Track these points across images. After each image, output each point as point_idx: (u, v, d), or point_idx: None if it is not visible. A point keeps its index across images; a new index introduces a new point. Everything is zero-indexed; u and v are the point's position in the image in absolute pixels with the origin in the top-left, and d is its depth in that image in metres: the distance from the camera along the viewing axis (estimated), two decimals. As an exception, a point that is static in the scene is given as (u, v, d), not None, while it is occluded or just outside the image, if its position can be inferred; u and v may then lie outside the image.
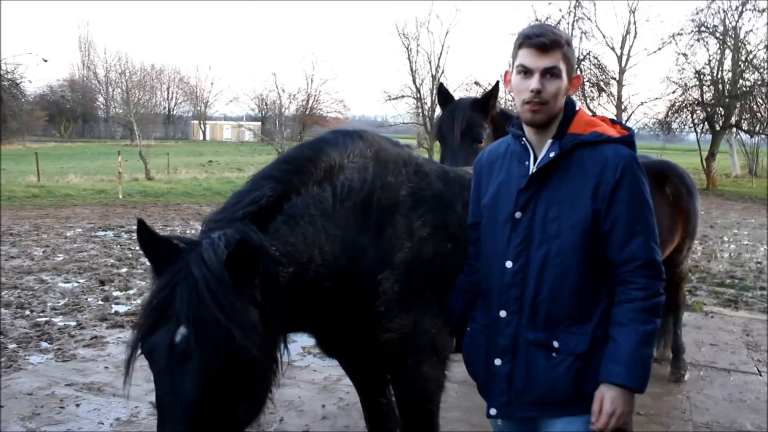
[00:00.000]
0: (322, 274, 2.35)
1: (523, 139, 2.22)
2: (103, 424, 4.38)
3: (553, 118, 2.16)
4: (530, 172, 2.17)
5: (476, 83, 31.11)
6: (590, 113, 2.32)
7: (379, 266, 2.46)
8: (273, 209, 2.26)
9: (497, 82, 4.23)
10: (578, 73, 2.26)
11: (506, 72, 2.27)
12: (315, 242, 2.32)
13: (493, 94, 4.17)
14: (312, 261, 2.31)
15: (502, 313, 2.21)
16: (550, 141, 2.17)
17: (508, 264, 2.18)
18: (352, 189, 2.45)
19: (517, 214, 2.17)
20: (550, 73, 2.09)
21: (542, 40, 2.08)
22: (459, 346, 2.62)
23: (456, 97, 4.42)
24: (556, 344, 2.14)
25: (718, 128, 27.40)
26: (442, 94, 4.46)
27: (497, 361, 2.23)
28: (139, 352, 1.97)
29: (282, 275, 2.19)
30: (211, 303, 1.88)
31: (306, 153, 2.46)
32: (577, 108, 2.24)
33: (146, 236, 2.02)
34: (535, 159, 2.19)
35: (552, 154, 2.13)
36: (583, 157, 2.12)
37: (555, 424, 2.20)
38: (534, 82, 2.09)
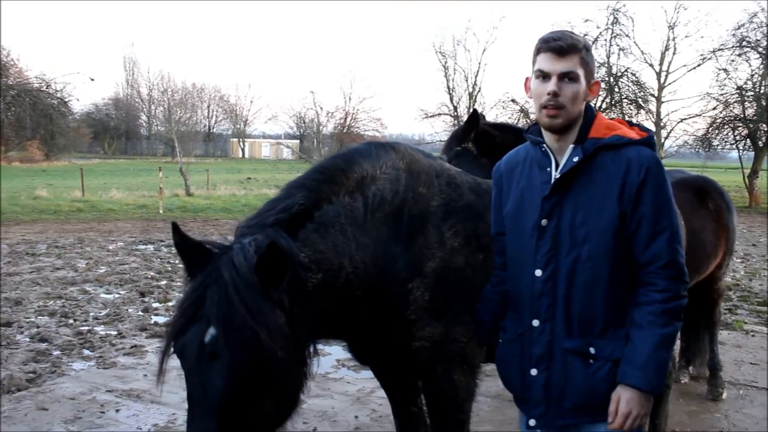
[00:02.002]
0: (353, 282, 2.40)
1: (544, 145, 2.22)
2: (141, 429, 4.50)
3: (572, 122, 2.16)
4: (553, 179, 2.17)
5: (513, 101, 31.08)
6: None
7: (410, 275, 2.50)
8: (303, 217, 2.32)
9: (474, 110, 4.39)
10: (599, 79, 2.26)
11: (527, 79, 2.27)
12: (345, 250, 2.37)
13: (470, 121, 4.25)
14: (342, 268, 2.36)
15: (535, 323, 2.20)
16: (572, 146, 2.16)
17: (538, 272, 2.18)
18: (384, 199, 2.50)
19: (543, 222, 2.17)
20: (568, 77, 2.10)
21: (559, 44, 2.10)
22: (489, 357, 2.63)
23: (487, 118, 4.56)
24: (592, 350, 2.13)
25: (761, 145, 26.79)
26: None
27: (533, 371, 2.22)
28: (171, 350, 2.06)
29: (311, 281, 2.25)
30: (239, 305, 1.95)
31: (339, 163, 2.53)
32: (596, 112, 2.24)
33: (179, 239, 2.11)
34: (557, 165, 2.19)
35: (576, 159, 2.13)
36: (606, 161, 2.13)
37: (594, 430, 2.19)
38: (551, 85, 2.10)
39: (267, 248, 1.99)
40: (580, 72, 2.12)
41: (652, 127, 29.38)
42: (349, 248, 2.38)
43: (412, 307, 2.51)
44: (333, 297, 2.36)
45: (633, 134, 2.18)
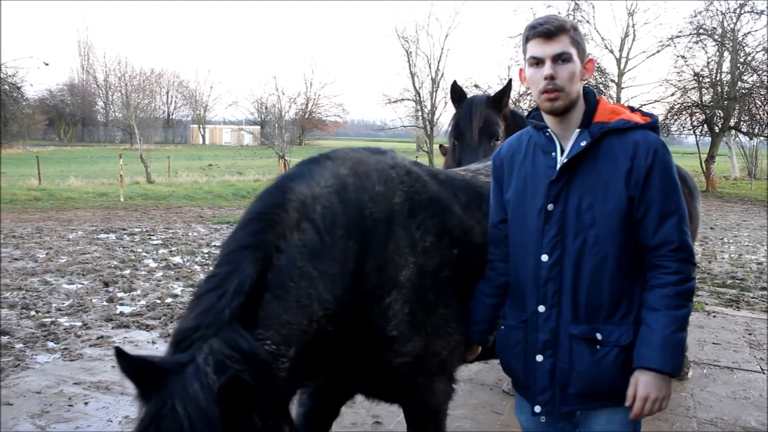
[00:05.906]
0: (325, 325, 2.16)
1: (548, 130, 2.20)
2: (111, 422, 4.40)
3: (572, 104, 2.15)
4: (560, 163, 2.15)
5: (476, 86, 31.16)
6: None
7: (387, 289, 2.31)
8: (259, 289, 2.01)
9: (510, 80, 4.24)
10: (591, 56, 2.26)
11: (521, 70, 2.25)
12: (313, 296, 2.11)
13: (506, 91, 4.16)
14: (312, 320, 2.11)
15: (541, 308, 2.18)
16: (578, 130, 2.15)
17: (544, 258, 2.15)
18: (335, 213, 2.23)
19: (550, 206, 2.14)
20: (561, 58, 2.09)
21: (547, 27, 2.09)
22: (483, 355, 2.63)
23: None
24: (599, 336, 2.11)
25: (717, 130, 27.48)
26: (456, 92, 4.39)
27: (539, 357, 2.20)
28: None
29: (284, 364, 2.01)
30: None
31: (271, 199, 2.22)
32: (598, 97, 2.23)
33: (125, 362, 1.82)
34: (562, 150, 2.17)
35: (583, 143, 2.11)
36: (612, 145, 2.11)
37: (598, 417, 2.19)
38: (546, 69, 2.09)
39: (228, 381, 1.71)
40: (572, 51, 2.11)
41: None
42: (317, 291, 2.12)
43: (393, 322, 2.33)
44: (309, 352, 2.12)
45: (637, 118, 2.17)
